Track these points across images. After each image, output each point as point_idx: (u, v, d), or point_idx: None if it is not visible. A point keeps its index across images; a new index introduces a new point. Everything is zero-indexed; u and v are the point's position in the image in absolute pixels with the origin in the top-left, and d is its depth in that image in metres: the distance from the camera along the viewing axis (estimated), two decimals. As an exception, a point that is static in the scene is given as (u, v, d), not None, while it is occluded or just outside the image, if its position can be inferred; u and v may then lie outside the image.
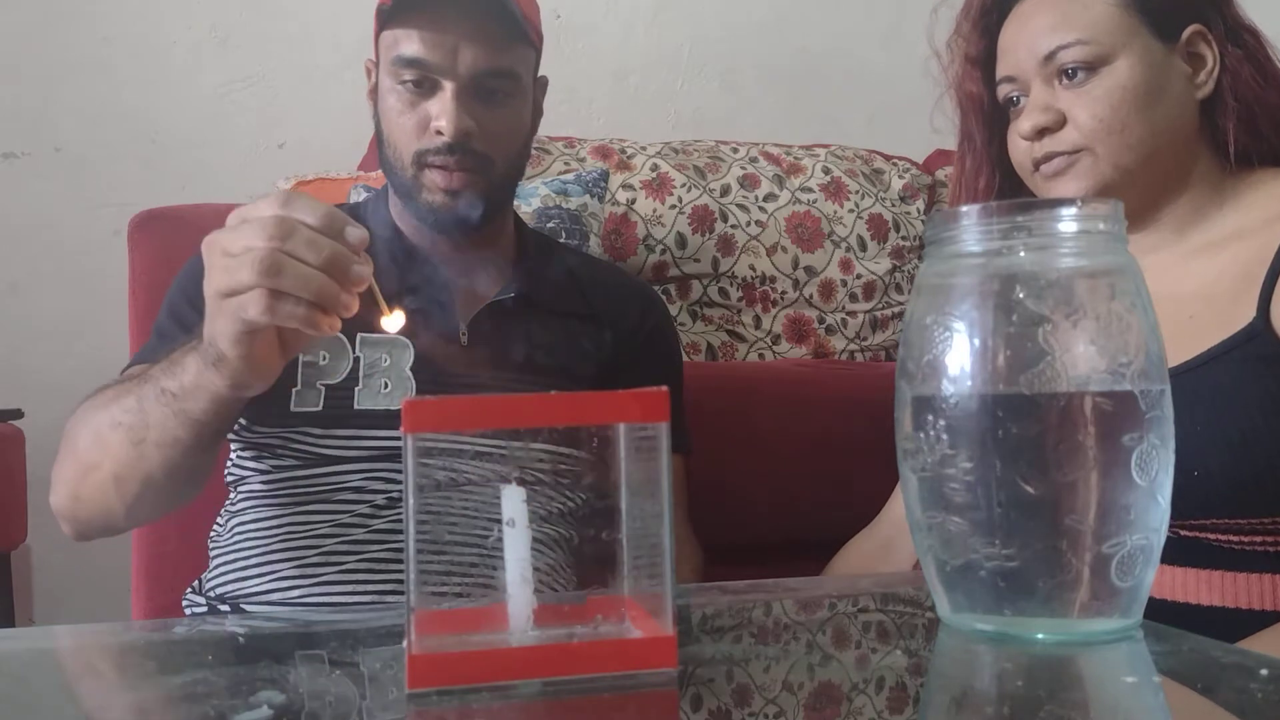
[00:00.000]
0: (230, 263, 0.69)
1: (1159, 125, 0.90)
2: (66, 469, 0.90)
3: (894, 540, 1.10)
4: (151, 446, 0.82)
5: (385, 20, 0.99)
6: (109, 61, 1.88)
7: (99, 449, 0.86)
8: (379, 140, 1.04)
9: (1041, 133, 0.92)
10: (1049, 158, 0.92)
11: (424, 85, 0.97)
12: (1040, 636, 0.56)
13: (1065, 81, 0.91)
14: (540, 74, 1.08)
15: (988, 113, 1.00)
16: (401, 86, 0.98)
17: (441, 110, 0.96)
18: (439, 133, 0.96)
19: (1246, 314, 0.85)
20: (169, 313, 1.04)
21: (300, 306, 0.68)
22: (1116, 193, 0.90)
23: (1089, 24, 0.90)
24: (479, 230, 1.04)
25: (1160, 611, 0.81)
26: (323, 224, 0.69)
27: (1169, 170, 0.92)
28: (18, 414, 1.55)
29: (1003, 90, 0.97)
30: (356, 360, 0.99)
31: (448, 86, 0.96)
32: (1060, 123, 0.92)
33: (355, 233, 0.70)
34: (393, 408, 0.97)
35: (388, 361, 0.99)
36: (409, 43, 0.96)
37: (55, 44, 1.86)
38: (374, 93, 1.04)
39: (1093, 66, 0.90)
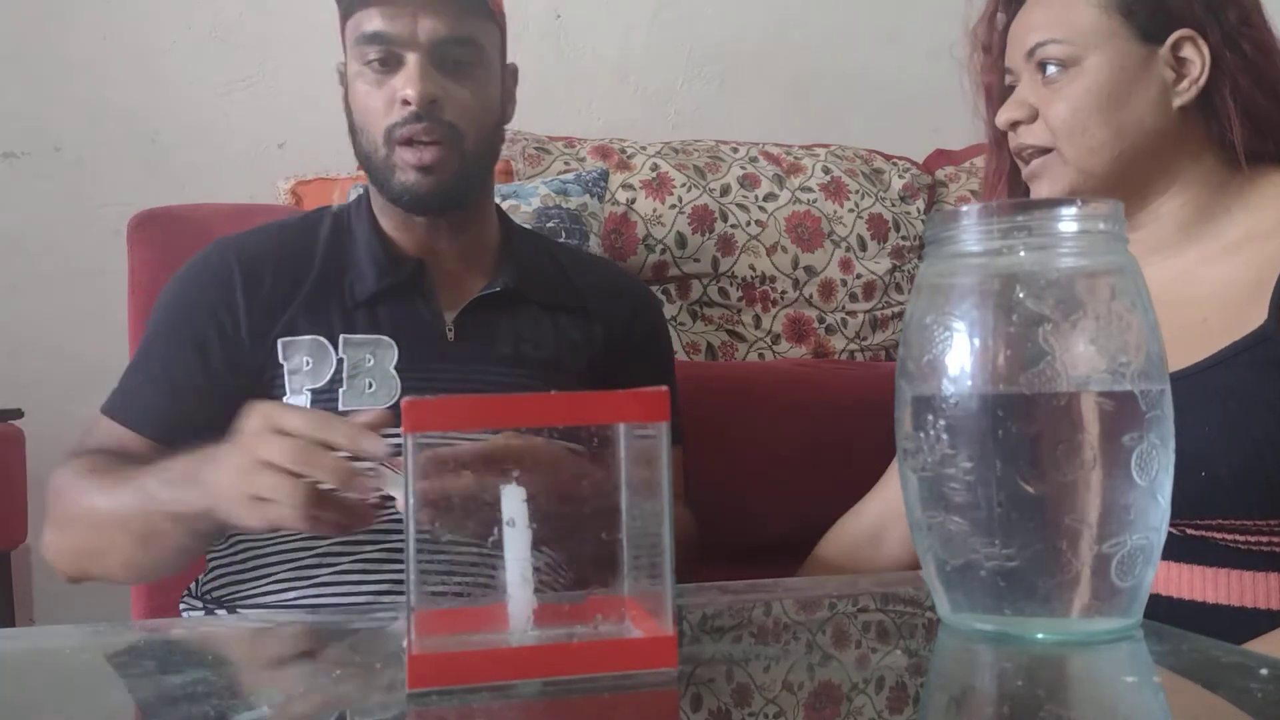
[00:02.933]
0: (264, 482, 0.73)
1: (1125, 129, 0.90)
2: (66, 543, 0.94)
3: (883, 528, 1.11)
4: (156, 546, 0.88)
5: (346, 9, 1.01)
6: (109, 61, 1.88)
7: (103, 540, 0.90)
8: (352, 132, 1.04)
9: (1015, 125, 0.95)
10: (1025, 152, 0.95)
11: (389, 62, 0.99)
12: (1040, 636, 0.56)
13: (1043, 77, 0.93)
14: (510, 61, 1.08)
15: (998, 102, 1.02)
16: (367, 67, 1.00)
17: (407, 80, 0.98)
18: (406, 102, 0.98)
19: (1258, 317, 0.85)
20: (171, 322, 1.02)
21: (336, 514, 0.74)
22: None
23: (1069, 23, 0.92)
24: (456, 212, 1.04)
25: (1167, 609, 0.80)
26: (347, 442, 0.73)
27: (1147, 175, 0.92)
28: (18, 414, 1.55)
29: (1006, 81, 0.99)
30: (340, 361, 0.98)
31: (411, 58, 0.98)
32: (1032, 118, 0.94)
33: (377, 448, 0.72)
34: (378, 407, 0.97)
35: (371, 361, 0.99)
36: (369, 20, 0.98)
37: (55, 44, 1.86)
38: (347, 95, 1.05)
39: (1065, 65, 0.92)
